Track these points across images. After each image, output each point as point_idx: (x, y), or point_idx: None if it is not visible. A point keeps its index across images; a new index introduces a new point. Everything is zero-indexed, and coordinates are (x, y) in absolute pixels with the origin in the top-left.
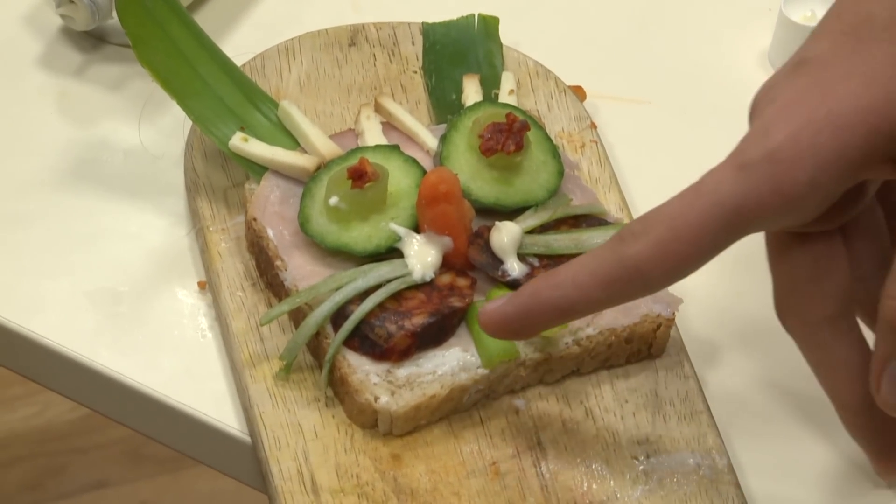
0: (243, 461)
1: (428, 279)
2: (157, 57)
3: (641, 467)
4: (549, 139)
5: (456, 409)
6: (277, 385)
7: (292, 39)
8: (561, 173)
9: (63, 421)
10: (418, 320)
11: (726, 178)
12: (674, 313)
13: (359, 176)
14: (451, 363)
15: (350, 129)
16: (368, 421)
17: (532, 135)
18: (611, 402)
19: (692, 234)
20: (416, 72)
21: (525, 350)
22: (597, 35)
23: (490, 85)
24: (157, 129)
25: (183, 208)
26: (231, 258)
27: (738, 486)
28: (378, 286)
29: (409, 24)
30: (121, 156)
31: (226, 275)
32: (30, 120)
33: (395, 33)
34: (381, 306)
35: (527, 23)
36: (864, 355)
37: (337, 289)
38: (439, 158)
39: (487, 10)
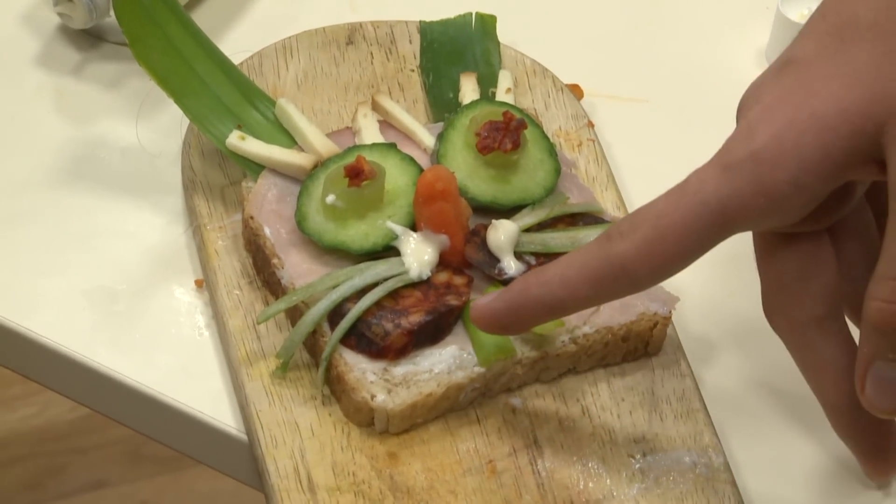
0: (240, 459)
1: (425, 277)
2: (154, 55)
3: (638, 465)
4: (546, 137)
5: (452, 408)
6: (274, 383)
7: (290, 38)
8: (558, 171)
9: (63, 421)
10: (415, 318)
11: (711, 178)
12: (670, 312)
13: (356, 174)
14: (448, 361)
15: (347, 127)
16: (365, 419)
17: (529, 133)
18: (607, 400)
19: (677, 234)
20: (413, 70)
21: (521, 348)
22: (594, 34)
23: (487, 83)
24: (155, 127)
25: (180, 206)
26: (228, 256)
27: (734, 484)
28: (375, 284)
29: (406, 22)
30: (118, 154)
31: (223, 273)
32: (27, 118)
33: (392, 32)
34: (377, 304)
35: (524, 21)
36: (852, 356)
37: (334, 287)
38: (436, 157)
39: (485, 9)
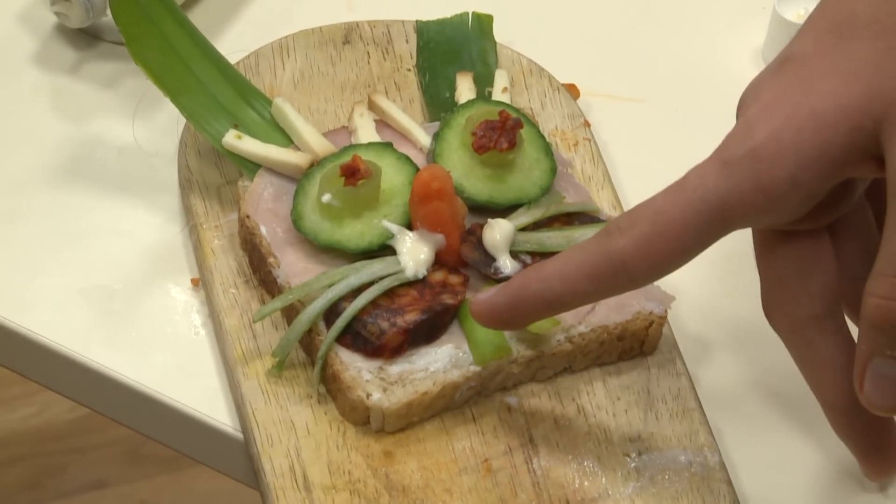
0: (236, 458)
1: (420, 276)
2: (150, 54)
3: (633, 464)
4: (542, 137)
5: (448, 406)
6: (270, 382)
7: (286, 37)
8: (554, 171)
9: (62, 421)
10: (411, 317)
11: (710, 175)
12: (666, 311)
13: (352, 173)
14: (444, 360)
15: (344, 126)
16: (361, 418)
17: (525, 132)
18: (603, 399)
19: (675, 231)
20: (409, 70)
21: (517, 347)
22: (591, 33)
23: (484, 83)
24: (152, 126)
25: (177, 205)
26: (224, 255)
27: (729, 483)
28: (371, 283)
29: (402, 22)
30: (115, 153)
31: (219, 272)
32: (24, 117)
33: (388, 31)
34: (373, 303)
35: (521, 21)
36: (851, 355)
37: (329, 286)
38: (432, 156)
39: (481, 9)
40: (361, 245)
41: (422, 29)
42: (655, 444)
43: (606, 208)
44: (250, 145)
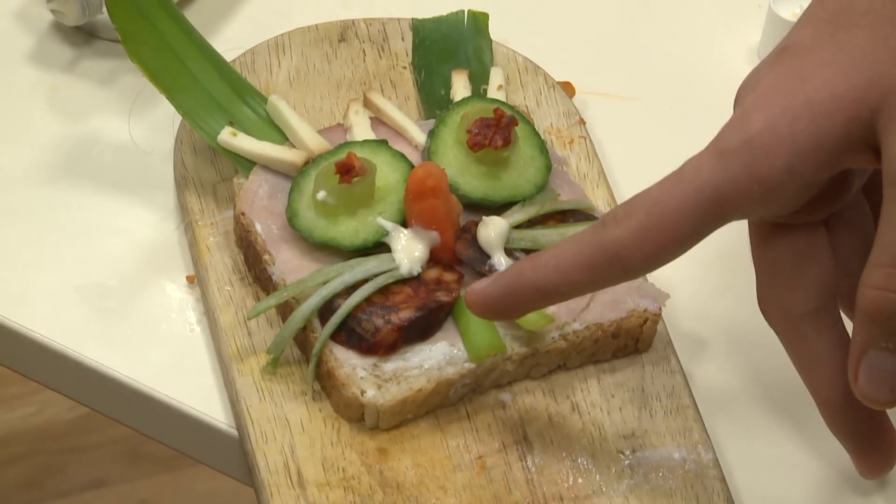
0: (230, 454)
1: (415, 273)
2: (146, 52)
3: (627, 462)
4: (536, 134)
5: (442, 404)
6: (264, 379)
7: (282, 35)
8: (548, 168)
9: (62, 420)
10: (405, 314)
11: (706, 165)
12: (660, 308)
13: (346, 170)
14: (438, 357)
15: (339, 124)
16: (355, 415)
17: (520, 130)
18: (597, 396)
19: (671, 221)
20: (405, 67)
21: (512, 344)
22: (586, 31)
23: (479, 81)
24: (147, 124)
25: (172, 203)
26: (219, 252)
27: (723, 480)
28: (365, 280)
29: (398, 19)
30: (111, 151)
31: (214, 269)
32: (20, 114)
33: (384, 29)
34: (368, 300)
35: (517, 19)
36: (846, 351)
37: (324, 283)
38: (427, 153)
39: (477, 7)
40: (356, 242)
41: (418, 27)
42: (649, 441)
43: (601, 206)
44: (246, 143)
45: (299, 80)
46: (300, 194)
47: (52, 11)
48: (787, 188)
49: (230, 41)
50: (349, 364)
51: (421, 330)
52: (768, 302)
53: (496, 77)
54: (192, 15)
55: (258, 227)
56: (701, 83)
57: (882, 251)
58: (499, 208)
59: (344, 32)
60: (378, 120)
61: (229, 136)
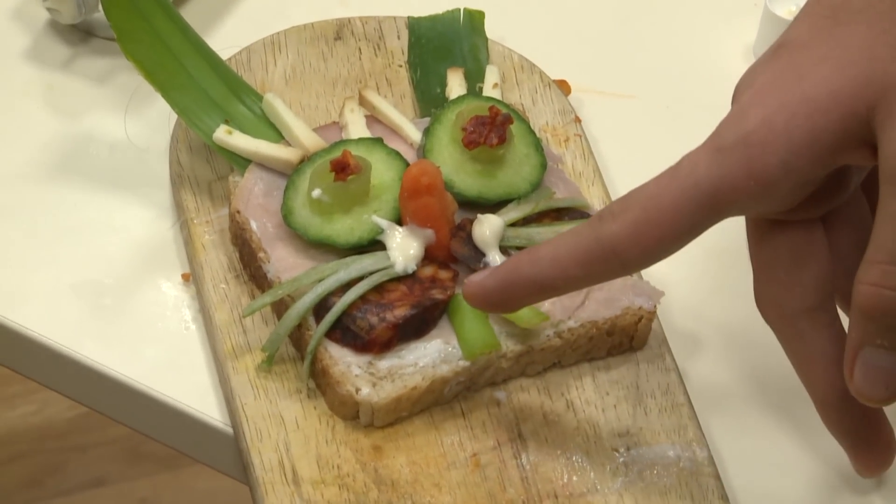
0: (225, 452)
1: (410, 271)
2: (142, 50)
3: (622, 459)
4: (532, 132)
5: (437, 401)
6: (259, 376)
7: (278, 33)
8: (544, 166)
9: (62, 419)
10: (400, 312)
11: (702, 161)
12: (655, 306)
13: (341, 168)
14: (433, 355)
15: (334, 122)
16: (350, 412)
17: (515, 128)
18: (592, 394)
19: (667, 216)
20: (401, 66)
21: (506, 342)
22: (582, 30)
23: (475, 79)
24: (143, 122)
25: (168, 201)
26: (215, 250)
27: (718, 478)
28: (360, 278)
29: (394, 18)
30: (107, 149)
31: (209, 267)
32: (16, 113)
33: (380, 27)
34: (363, 298)
35: (513, 17)
36: (843, 349)
37: (319, 281)
38: (422, 151)
39: (473, 5)
40: (351, 240)
41: (413, 25)
42: (644, 439)
43: (597, 204)
44: (241, 141)
45: (295, 78)
46: (295, 192)
47: (48, 9)
48: (783, 185)
49: (226, 39)
50: (344, 362)
51: (416, 328)
52: (765, 299)
53: (492, 75)
54: (189, 13)
55: (253, 224)
56: (697, 81)
57: (877, 248)
58: (494, 206)
59: (340, 31)
60: (373, 118)
61: (225, 134)
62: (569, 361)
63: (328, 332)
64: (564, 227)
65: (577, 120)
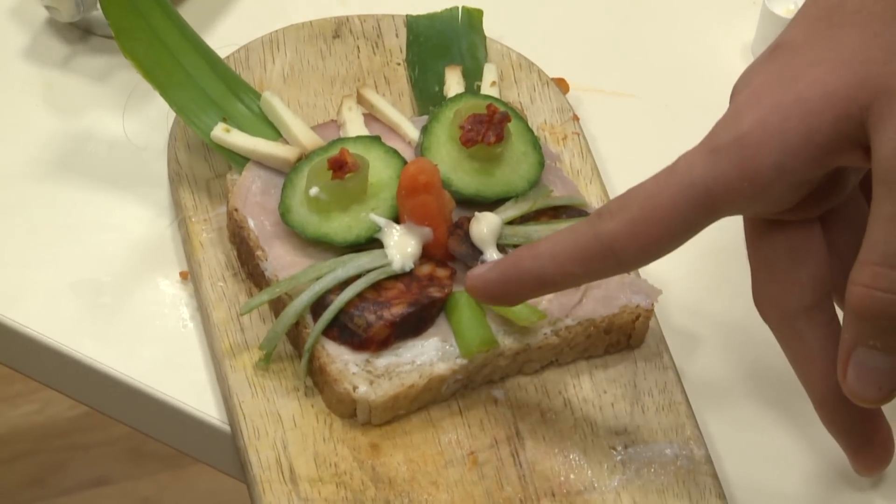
0: (223, 450)
1: (407, 269)
2: (140, 48)
3: (619, 457)
4: (529, 130)
5: (435, 399)
6: (257, 374)
7: (276, 31)
8: (541, 164)
9: (64, 418)
10: (397, 310)
11: (698, 161)
12: (653, 304)
13: (339, 166)
14: (430, 353)
15: (332, 120)
16: (347, 410)
17: (513, 126)
18: (589, 392)
19: (663, 215)
20: (399, 64)
21: (504, 340)
22: (581, 28)
23: (473, 77)
24: (142, 120)
25: (166, 199)
26: (213, 248)
27: (715, 476)
28: (358, 276)
29: (393, 16)
30: (105, 147)
31: (207, 265)
32: (15, 111)
33: (379, 25)
34: (360, 296)
35: (511, 15)
36: None
37: (317, 279)
38: (420, 149)
39: (472, 3)
40: (349, 238)
41: (412, 23)
42: (641, 437)
43: (595, 202)
44: (239, 139)
45: (293, 76)
46: (293, 190)
47: (47, 8)
48: (777, 186)
49: (225, 37)
50: (341, 360)
51: (413, 326)
52: (763, 298)
53: (490, 73)
54: (187, 11)
55: (251, 223)
56: (695, 80)
57: (870, 249)
58: (491, 204)
59: (338, 29)
60: (371, 116)
61: (223, 133)
62: (566, 359)
63: (326, 329)
64: (562, 226)
65: (576, 118)
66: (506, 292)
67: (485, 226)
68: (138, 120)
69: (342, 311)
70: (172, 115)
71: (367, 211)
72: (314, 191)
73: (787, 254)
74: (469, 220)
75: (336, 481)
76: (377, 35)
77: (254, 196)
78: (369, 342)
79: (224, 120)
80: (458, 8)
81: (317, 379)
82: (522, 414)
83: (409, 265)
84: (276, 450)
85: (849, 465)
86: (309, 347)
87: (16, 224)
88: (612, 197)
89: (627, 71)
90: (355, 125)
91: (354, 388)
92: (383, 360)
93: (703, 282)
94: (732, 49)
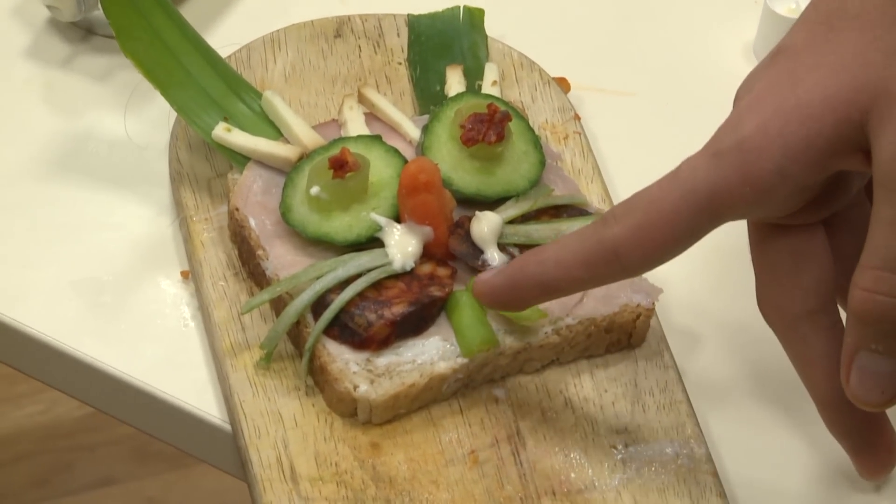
0: (224, 449)
1: (408, 268)
2: (141, 48)
3: (620, 456)
4: (530, 129)
5: (435, 398)
6: (258, 374)
7: (278, 31)
8: (542, 163)
9: (70, 418)
10: (398, 309)
11: (701, 166)
12: (654, 303)
13: (340, 166)
14: (431, 352)
15: (333, 119)
16: (348, 409)
17: (514, 125)
18: (590, 391)
19: (667, 220)
20: (400, 63)
21: (505, 339)
22: (582, 27)
23: (474, 76)
24: (143, 119)
25: (167, 198)
26: (214, 248)
27: (716, 475)
28: (358, 275)
29: (394, 15)
30: (106, 146)
31: (208, 264)
32: (16, 110)
33: (380, 25)
34: (361, 295)
35: (512, 15)
36: None
37: (317, 278)
38: (421, 149)
39: (473, 2)
40: (349, 237)
41: (413, 22)
42: (642, 436)
43: (596, 202)
44: (240, 138)
45: (294, 75)
46: (294, 190)
47: (48, 7)
48: (779, 190)
49: (226, 37)
50: (342, 359)
51: (414, 325)
52: (767, 302)
53: (491, 73)
54: (188, 11)
55: (252, 222)
56: (696, 79)
57: (871, 253)
58: (492, 203)
59: (339, 28)
60: (372, 115)
61: (224, 132)
62: (567, 358)
63: (326, 329)
64: (563, 225)
65: (577, 117)
66: (513, 297)
67: (486, 225)
68: (139, 119)
69: (343, 310)
70: (174, 114)
71: (367, 210)
72: (315, 190)
73: (791, 258)
74: (470, 219)
75: (337, 480)
76: (378, 34)
77: (255, 195)
78: (370, 341)
79: (225, 119)
80: (459, 7)
81: (317, 378)
82: (523, 413)
83: (409, 264)
84: (276, 449)
85: (850, 465)
86: (310, 346)
87: (17, 223)
88: (612, 196)
89: (629, 70)
90: (356, 124)
91: (355, 387)
92: (384, 360)
93: (704, 281)
94: (734, 48)
